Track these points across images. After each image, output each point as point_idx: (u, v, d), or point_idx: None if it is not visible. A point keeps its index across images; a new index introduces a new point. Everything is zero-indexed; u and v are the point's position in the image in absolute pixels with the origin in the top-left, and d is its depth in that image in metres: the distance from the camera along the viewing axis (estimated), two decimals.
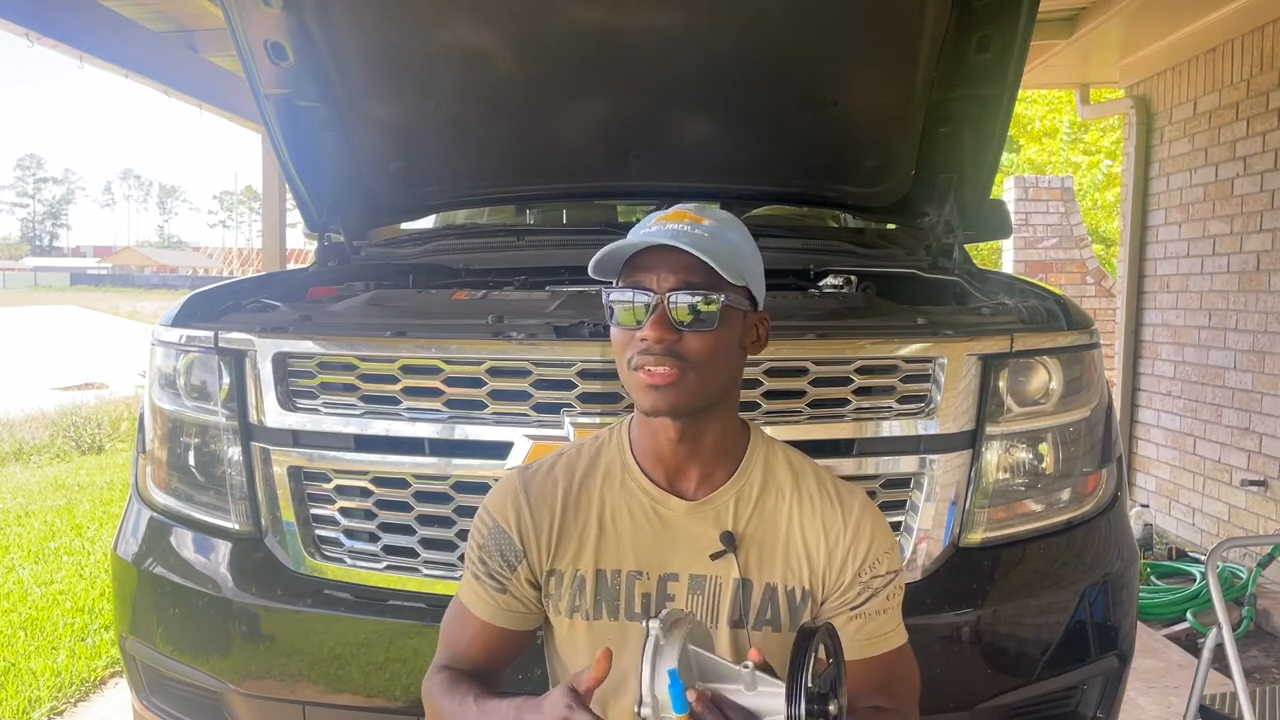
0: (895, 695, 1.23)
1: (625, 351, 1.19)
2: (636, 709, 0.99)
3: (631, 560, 1.25)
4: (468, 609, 1.30)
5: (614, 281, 1.23)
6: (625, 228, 2.34)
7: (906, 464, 1.77)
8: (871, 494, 1.73)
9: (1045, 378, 1.87)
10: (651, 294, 1.16)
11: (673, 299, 1.16)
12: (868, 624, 1.23)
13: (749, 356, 1.27)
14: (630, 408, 1.45)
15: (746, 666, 0.98)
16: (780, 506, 1.26)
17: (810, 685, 0.91)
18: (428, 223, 3.42)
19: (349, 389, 1.81)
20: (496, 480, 1.40)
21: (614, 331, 1.21)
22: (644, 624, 1.01)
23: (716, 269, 1.15)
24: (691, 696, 0.96)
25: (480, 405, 1.75)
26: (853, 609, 1.23)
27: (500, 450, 1.72)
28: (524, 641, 1.33)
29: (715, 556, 1.23)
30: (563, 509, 1.27)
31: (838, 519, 1.25)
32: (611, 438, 1.33)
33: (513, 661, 1.34)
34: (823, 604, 1.25)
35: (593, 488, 1.29)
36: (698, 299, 1.16)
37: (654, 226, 1.18)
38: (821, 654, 0.96)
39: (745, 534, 1.24)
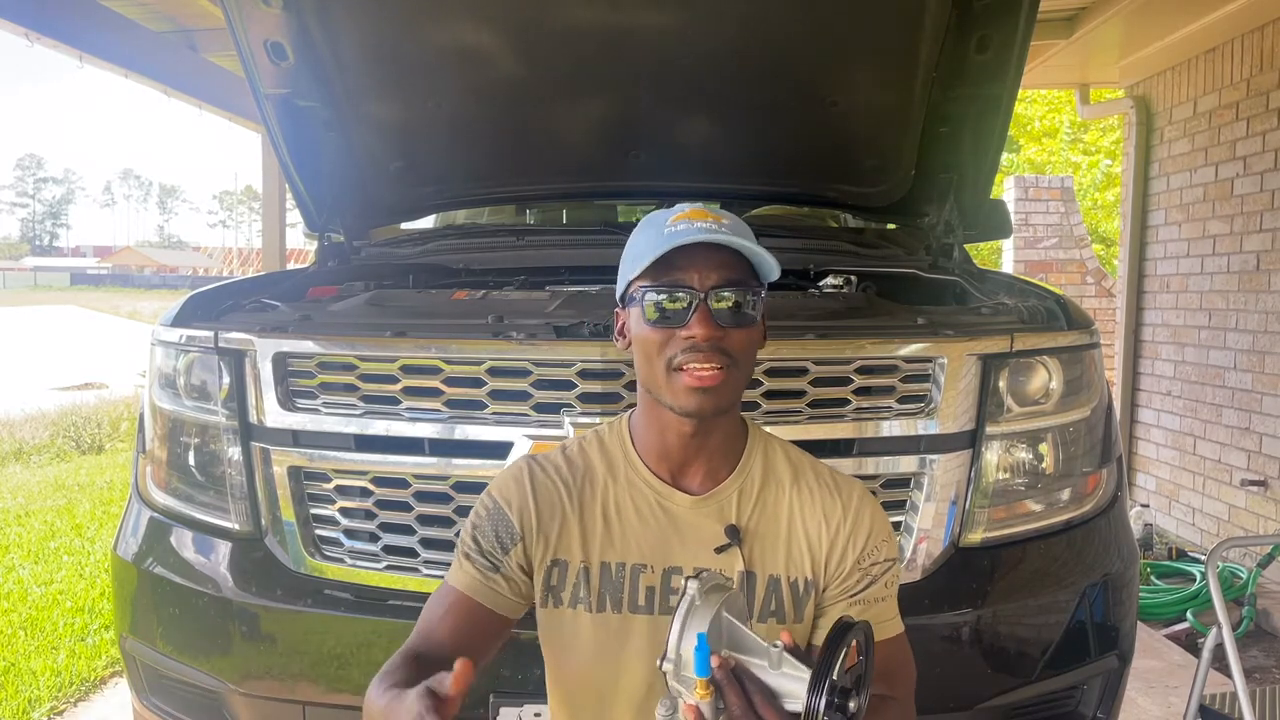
0: (894, 684, 1.24)
1: (664, 351, 1.18)
2: (659, 662, 1.00)
3: (636, 553, 1.26)
4: (450, 585, 1.27)
5: (630, 283, 1.22)
6: (625, 228, 2.34)
7: (906, 464, 1.77)
8: (872, 494, 1.73)
9: (1045, 377, 1.87)
10: (694, 291, 1.17)
11: (717, 295, 1.17)
12: (867, 611, 1.23)
13: None
14: (630, 406, 1.45)
15: (776, 646, 0.99)
16: (781, 499, 1.28)
17: (835, 678, 0.92)
18: (428, 223, 3.42)
19: (349, 389, 1.81)
20: None
21: (647, 331, 1.20)
22: (683, 581, 1.02)
23: (756, 266, 1.20)
24: (714, 662, 0.97)
25: (480, 405, 1.75)
26: (852, 596, 1.25)
27: (500, 450, 1.72)
28: (493, 632, 1.27)
29: (720, 550, 1.24)
30: (567, 501, 1.28)
31: (837, 508, 1.27)
32: (611, 433, 1.33)
33: (484, 655, 1.26)
34: (824, 592, 1.26)
35: (597, 481, 1.29)
36: (741, 294, 1.18)
37: (681, 225, 1.18)
38: (852, 650, 0.97)
39: (748, 527, 1.26)
